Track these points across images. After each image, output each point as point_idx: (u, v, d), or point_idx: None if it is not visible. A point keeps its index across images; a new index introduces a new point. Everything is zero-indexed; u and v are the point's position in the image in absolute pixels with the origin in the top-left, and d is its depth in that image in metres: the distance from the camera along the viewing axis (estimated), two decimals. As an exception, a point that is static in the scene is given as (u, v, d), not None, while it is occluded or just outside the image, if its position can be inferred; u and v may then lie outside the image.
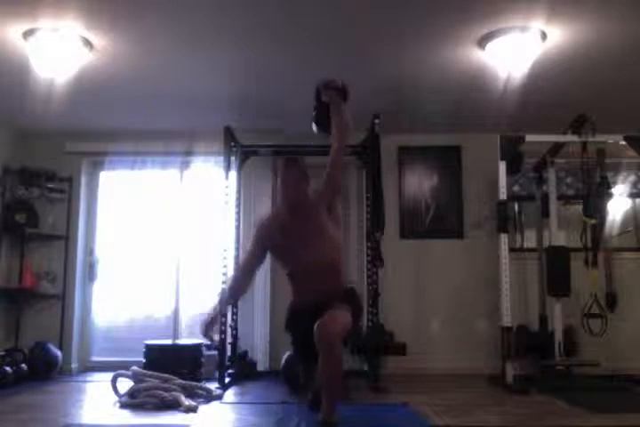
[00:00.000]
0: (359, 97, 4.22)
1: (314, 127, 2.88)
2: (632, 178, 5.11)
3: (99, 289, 5.19)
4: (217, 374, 4.10)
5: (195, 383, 3.74)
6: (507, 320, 4.02)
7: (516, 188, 5.10)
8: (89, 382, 4.45)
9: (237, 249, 4.73)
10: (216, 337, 2.98)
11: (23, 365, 4.26)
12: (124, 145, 5.04)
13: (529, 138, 4.17)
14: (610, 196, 4.37)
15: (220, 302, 2.97)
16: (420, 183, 5.17)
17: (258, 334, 4.77)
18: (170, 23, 3.20)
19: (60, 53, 3.38)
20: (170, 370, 3.76)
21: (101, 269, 5.20)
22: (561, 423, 2.98)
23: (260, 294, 4.78)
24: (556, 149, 4.52)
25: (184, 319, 5.12)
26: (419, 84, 4.04)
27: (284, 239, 2.76)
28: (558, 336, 4.41)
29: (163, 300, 5.13)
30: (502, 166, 4.15)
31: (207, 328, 2.81)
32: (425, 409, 3.23)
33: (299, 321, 2.79)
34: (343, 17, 3.15)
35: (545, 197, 4.73)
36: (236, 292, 2.97)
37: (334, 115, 2.70)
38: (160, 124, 4.87)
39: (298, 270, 2.80)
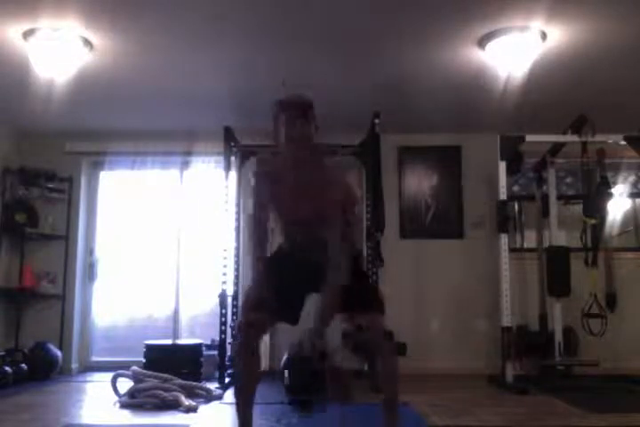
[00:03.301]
0: (359, 97, 4.27)
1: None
2: (632, 178, 5.11)
3: (99, 289, 5.19)
4: (217, 374, 4.10)
5: (195, 383, 3.74)
6: (507, 320, 4.02)
7: (515, 188, 5.10)
8: (89, 382, 4.46)
9: (237, 249, 4.73)
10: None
11: (23, 365, 4.26)
12: (123, 145, 5.04)
13: (529, 138, 4.17)
14: (610, 196, 4.37)
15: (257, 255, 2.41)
16: (420, 183, 5.17)
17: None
18: (170, 23, 3.20)
19: (60, 53, 3.38)
20: (170, 370, 3.76)
21: (101, 269, 5.20)
22: (561, 423, 2.98)
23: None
24: (556, 149, 4.52)
25: (184, 319, 5.12)
26: (419, 84, 4.04)
27: (287, 188, 2.29)
28: (558, 336, 4.41)
29: (163, 300, 5.13)
30: (502, 166, 4.15)
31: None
32: (425, 409, 3.23)
33: (295, 264, 2.34)
34: (343, 17, 3.14)
35: (545, 197, 4.73)
36: (264, 244, 2.41)
37: None
38: (160, 124, 4.86)
39: (297, 220, 2.33)
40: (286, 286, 2.30)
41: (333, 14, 3.10)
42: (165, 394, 3.41)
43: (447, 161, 5.19)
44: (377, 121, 4.18)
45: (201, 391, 3.65)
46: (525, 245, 5.08)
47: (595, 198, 4.29)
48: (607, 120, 4.01)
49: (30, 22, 3.11)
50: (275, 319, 2.33)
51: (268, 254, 2.44)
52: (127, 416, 3.20)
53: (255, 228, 2.42)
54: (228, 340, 4.38)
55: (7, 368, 4.05)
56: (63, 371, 4.71)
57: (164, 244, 5.22)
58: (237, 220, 4.80)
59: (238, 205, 4.84)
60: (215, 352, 4.23)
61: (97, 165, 5.31)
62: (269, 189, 2.35)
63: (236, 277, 4.71)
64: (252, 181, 2.45)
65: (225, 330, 4.21)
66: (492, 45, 3.38)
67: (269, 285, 2.28)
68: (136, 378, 3.60)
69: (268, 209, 2.39)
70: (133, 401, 3.42)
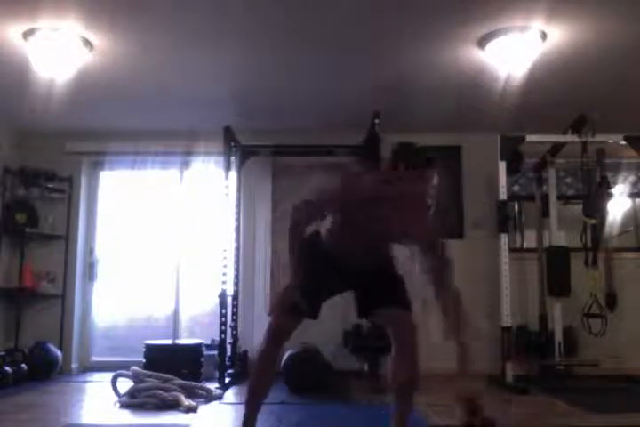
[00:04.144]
0: (359, 97, 4.27)
1: None
2: (632, 178, 5.11)
3: (99, 289, 5.19)
4: (217, 374, 4.10)
5: (195, 383, 3.74)
6: (507, 320, 4.02)
7: (516, 188, 5.10)
8: (89, 382, 4.45)
9: (237, 249, 4.73)
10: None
11: (23, 365, 4.26)
12: (123, 145, 5.04)
13: (529, 138, 4.17)
14: (610, 196, 4.37)
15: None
16: (420, 183, 5.16)
17: (258, 333, 4.76)
18: (170, 23, 3.20)
19: (60, 53, 3.38)
20: (170, 370, 3.76)
21: (101, 269, 5.20)
22: (561, 423, 2.98)
23: (259, 293, 4.79)
24: (556, 148, 4.52)
25: (184, 319, 5.12)
26: (419, 84, 4.03)
27: (373, 203, 2.25)
28: (558, 336, 4.41)
29: (163, 300, 5.13)
30: (502, 166, 4.15)
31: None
32: (425, 409, 3.23)
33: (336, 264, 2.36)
34: (343, 17, 3.15)
35: (545, 197, 4.73)
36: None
37: None
38: (160, 124, 4.87)
39: (358, 231, 2.34)
40: (320, 285, 2.34)
41: (333, 14, 3.11)
42: (165, 394, 3.40)
43: (447, 161, 5.18)
44: (377, 121, 4.18)
45: (201, 391, 3.65)
46: (525, 245, 5.07)
47: (595, 198, 4.29)
48: (607, 120, 4.01)
49: (30, 22, 3.11)
50: (302, 319, 2.34)
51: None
52: (127, 416, 3.19)
53: (299, 226, 2.34)
54: (228, 340, 4.38)
55: (7, 368, 4.05)
56: (63, 371, 4.70)
57: (164, 244, 5.22)
58: (237, 220, 4.80)
59: (238, 205, 4.84)
60: (215, 352, 4.23)
61: (97, 165, 5.31)
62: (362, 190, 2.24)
63: (236, 277, 4.71)
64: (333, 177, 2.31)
65: (225, 330, 4.21)
66: (492, 45, 3.38)
67: (304, 286, 2.27)
68: (136, 378, 3.59)
69: (327, 211, 2.36)
70: (133, 401, 3.42)
